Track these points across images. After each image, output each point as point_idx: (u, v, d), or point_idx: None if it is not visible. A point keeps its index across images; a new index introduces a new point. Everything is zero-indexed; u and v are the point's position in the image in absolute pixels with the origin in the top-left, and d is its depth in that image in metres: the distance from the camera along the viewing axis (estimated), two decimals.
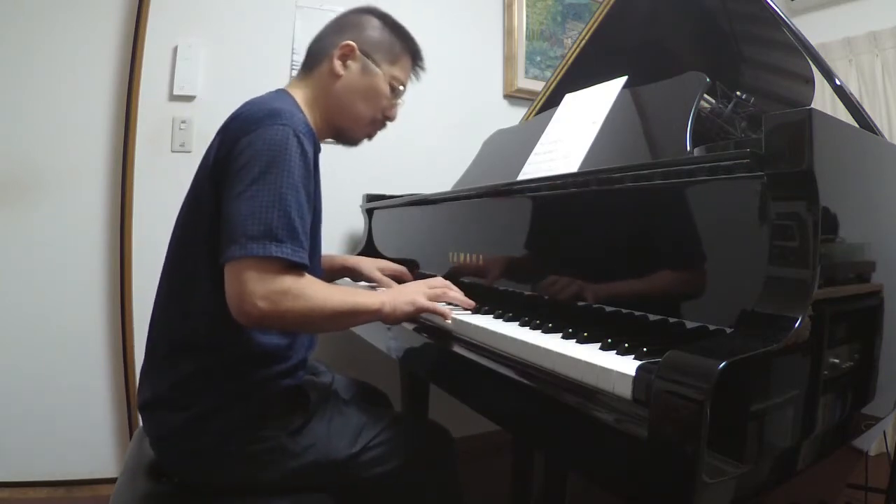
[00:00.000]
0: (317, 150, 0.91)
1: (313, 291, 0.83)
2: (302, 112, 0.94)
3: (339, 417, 0.97)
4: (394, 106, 1.09)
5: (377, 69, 1.03)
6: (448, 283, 1.03)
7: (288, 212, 0.81)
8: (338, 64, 1.01)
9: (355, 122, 1.06)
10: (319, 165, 0.94)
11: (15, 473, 1.59)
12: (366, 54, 1.02)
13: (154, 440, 0.92)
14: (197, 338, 0.89)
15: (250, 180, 0.81)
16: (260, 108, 0.87)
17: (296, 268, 0.82)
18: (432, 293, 0.98)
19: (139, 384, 0.95)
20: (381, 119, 1.08)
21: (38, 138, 1.63)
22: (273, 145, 0.82)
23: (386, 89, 1.05)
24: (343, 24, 1.04)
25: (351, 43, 1.01)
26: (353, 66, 1.02)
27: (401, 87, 1.08)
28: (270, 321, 0.82)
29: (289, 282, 0.81)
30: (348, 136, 1.08)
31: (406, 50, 1.08)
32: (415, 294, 0.96)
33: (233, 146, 0.85)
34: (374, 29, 1.04)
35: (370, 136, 1.11)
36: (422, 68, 1.13)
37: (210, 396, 0.87)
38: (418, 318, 1.07)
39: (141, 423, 0.98)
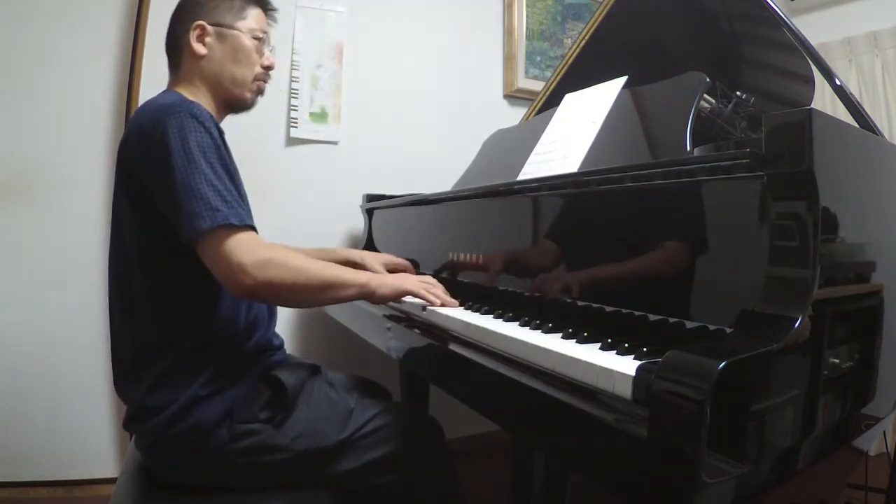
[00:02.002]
0: (220, 130, 0.94)
1: (294, 258, 0.90)
2: (191, 101, 0.95)
3: (326, 404, 0.99)
4: (264, 54, 1.10)
5: (232, 31, 1.05)
6: (437, 283, 1.07)
7: (214, 184, 0.85)
8: (197, 46, 1.02)
9: (240, 87, 1.07)
10: (228, 145, 0.96)
11: (15, 473, 1.59)
12: (216, 24, 1.04)
13: (144, 450, 0.92)
14: (152, 341, 0.91)
15: (172, 169, 0.84)
16: (152, 110, 0.90)
17: (246, 229, 0.86)
18: (421, 284, 1.04)
19: (123, 402, 0.97)
20: (261, 72, 1.10)
21: (38, 138, 1.63)
22: (177, 131, 0.86)
23: (250, 43, 1.07)
24: (182, 11, 1.05)
25: (199, 22, 1.02)
26: (211, 40, 1.03)
27: (263, 35, 1.09)
28: (263, 290, 0.86)
29: (270, 251, 0.86)
30: (240, 102, 1.09)
31: (248, 1, 1.09)
32: (403, 278, 1.03)
33: (141, 149, 0.88)
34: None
35: (260, 92, 1.12)
36: (273, 9, 1.14)
37: (183, 392, 0.88)
38: (414, 317, 1.08)
39: (132, 439, 0.99)
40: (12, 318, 1.60)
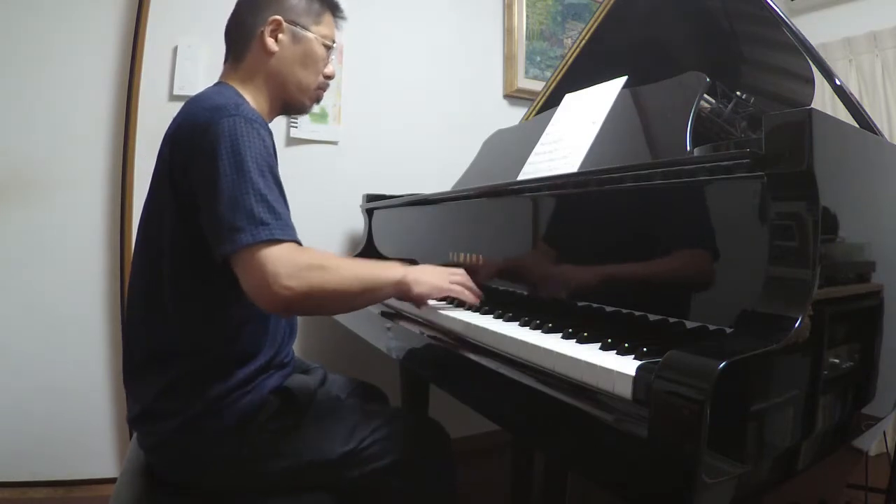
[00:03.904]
0: (270, 135, 0.92)
1: (335, 263, 0.84)
2: (245, 101, 0.93)
3: (332, 416, 0.98)
4: (328, 63, 1.09)
5: (307, 33, 1.03)
6: (466, 274, 1.04)
7: (264, 195, 0.81)
8: (270, 41, 0.99)
9: (302, 92, 1.05)
10: (276, 151, 0.94)
11: (15, 473, 1.59)
12: (292, 23, 1.01)
13: (148, 449, 0.92)
14: (171, 347, 0.89)
15: (218, 175, 0.81)
16: (205, 107, 0.87)
17: (291, 243, 0.82)
18: (455, 279, 1.01)
19: (126, 398, 0.95)
20: (323, 81, 1.08)
21: (38, 138, 1.63)
22: (228, 137, 0.82)
23: (321, 51, 1.05)
24: (259, 1, 1.02)
25: (277, 17, 0.99)
26: (284, 38, 1.01)
27: (333, 44, 1.08)
28: (299, 301, 0.80)
29: (308, 256, 0.81)
30: (297, 107, 1.08)
31: (325, 5, 1.07)
32: (440, 275, 0.99)
33: (189, 150, 0.85)
34: None
35: (318, 100, 1.10)
36: (343, 18, 1.11)
37: (195, 403, 0.87)
38: (414, 316, 1.08)
39: (134, 436, 0.98)
40: (12, 318, 1.60)
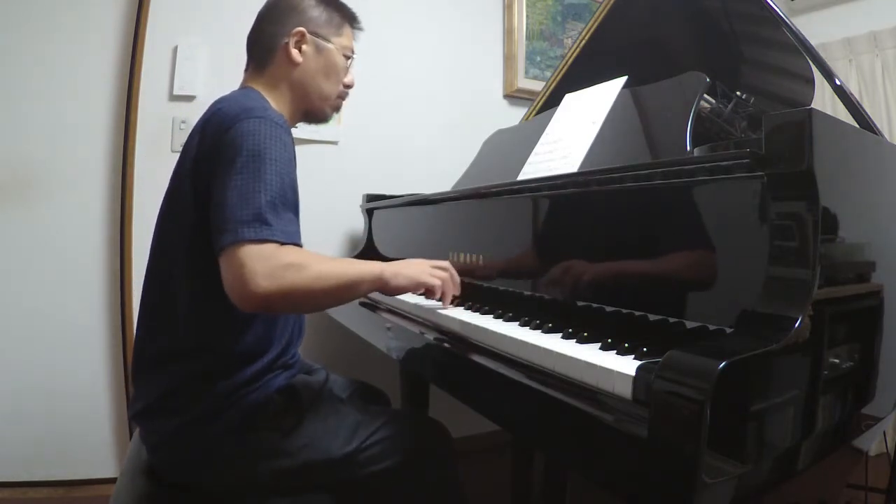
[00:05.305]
0: (292, 140, 0.93)
1: (314, 262, 0.83)
2: (270, 105, 0.96)
3: (334, 416, 0.98)
4: (348, 72, 1.11)
5: (329, 45, 1.05)
6: (452, 271, 1.02)
7: (273, 196, 0.82)
8: (294, 52, 1.02)
9: (324, 101, 1.08)
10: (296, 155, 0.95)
11: (15, 473, 1.59)
12: (315, 34, 1.04)
13: (150, 447, 0.92)
14: (182, 344, 0.89)
15: (235, 171, 0.82)
16: (233, 107, 0.89)
17: (276, 243, 0.82)
18: (437, 273, 0.99)
19: (129, 394, 0.95)
20: (343, 90, 1.10)
21: (39, 138, 1.63)
22: (252, 136, 0.84)
23: (342, 61, 1.08)
24: (281, 12, 1.04)
25: (301, 29, 1.02)
26: (308, 49, 1.03)
27: (352, 55, 1.10)
28: (275, 300, 0.79)
29: (288, 256, 0.80)
30: (319, 116, 1.10)
31: (345, 17, 1.10)
32: (418, 267, 0.98)
33: (212, 146, 0.87)
34: (312, 7, 1.05)
35: (338, 109, 1.13)
36: (360, 29, 1.14)
37: (201, 401, 0.87)
38: (413, 316, 1.08)
39: (137, 431, 0.98)
40: (12, 318, 1.60)
